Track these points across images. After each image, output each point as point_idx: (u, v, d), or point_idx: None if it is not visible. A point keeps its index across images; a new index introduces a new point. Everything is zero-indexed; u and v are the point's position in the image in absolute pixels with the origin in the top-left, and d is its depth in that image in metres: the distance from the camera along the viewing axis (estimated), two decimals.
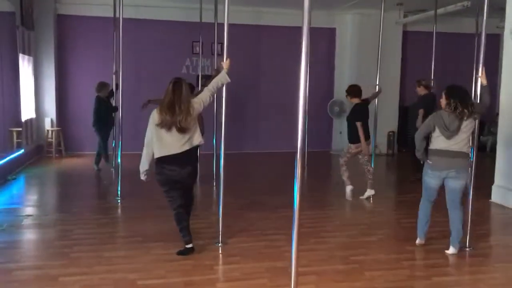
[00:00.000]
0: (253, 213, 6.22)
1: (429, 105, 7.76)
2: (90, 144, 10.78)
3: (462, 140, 4.63)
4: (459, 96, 4.59)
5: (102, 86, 8.85)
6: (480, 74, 4.90)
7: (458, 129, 4.57)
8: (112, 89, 8.95)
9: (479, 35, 5.07)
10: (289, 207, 6.41)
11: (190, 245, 4.73)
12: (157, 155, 4.56)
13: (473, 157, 4.88)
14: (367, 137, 6.75)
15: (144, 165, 4.65)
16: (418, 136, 4.81)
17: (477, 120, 4.77)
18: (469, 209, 4.95)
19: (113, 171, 8.85)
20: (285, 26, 11.06)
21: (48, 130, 10.40)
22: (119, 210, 6.51)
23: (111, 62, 9.15)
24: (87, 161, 10.02)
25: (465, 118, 4.56)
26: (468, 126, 4.64)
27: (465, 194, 4.86)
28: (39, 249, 4.88)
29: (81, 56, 10.71)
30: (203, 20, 8.91)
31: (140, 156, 4.63)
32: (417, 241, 5.02)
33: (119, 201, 6.75)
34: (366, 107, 6.97)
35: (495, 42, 12.73)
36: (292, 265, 3.19)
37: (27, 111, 9.79)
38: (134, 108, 8.29)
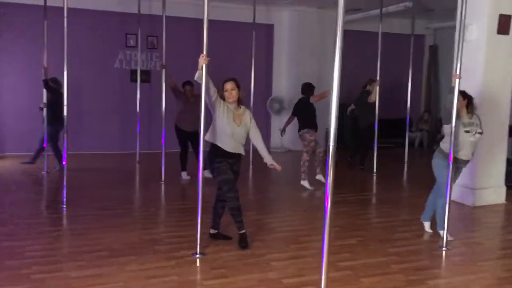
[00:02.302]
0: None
1: (357, 100, 9.46)
2: (10, 144, 9.77)
3: None
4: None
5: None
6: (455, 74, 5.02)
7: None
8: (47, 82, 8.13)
9: (464, 41, 5.17)
10: (252, 209, 6.31)
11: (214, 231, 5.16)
12: None
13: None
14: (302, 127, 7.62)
15: None
16: None
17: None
18: (446, 210, 5.01)
19: (45, 174, 8.10)
20: (225, 21, 10.73)
21: None
22: (69, 220, 5.84)
23: (39, 55, 8.28)
24: (8, 163, 9.03)
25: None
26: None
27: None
28: None
29: (3, 47, 9.61)
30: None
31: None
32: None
33: (64, 209, 6.09)
34: (302, 102, 7.74)
35: (421, 42, 13.32)
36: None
37: None
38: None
